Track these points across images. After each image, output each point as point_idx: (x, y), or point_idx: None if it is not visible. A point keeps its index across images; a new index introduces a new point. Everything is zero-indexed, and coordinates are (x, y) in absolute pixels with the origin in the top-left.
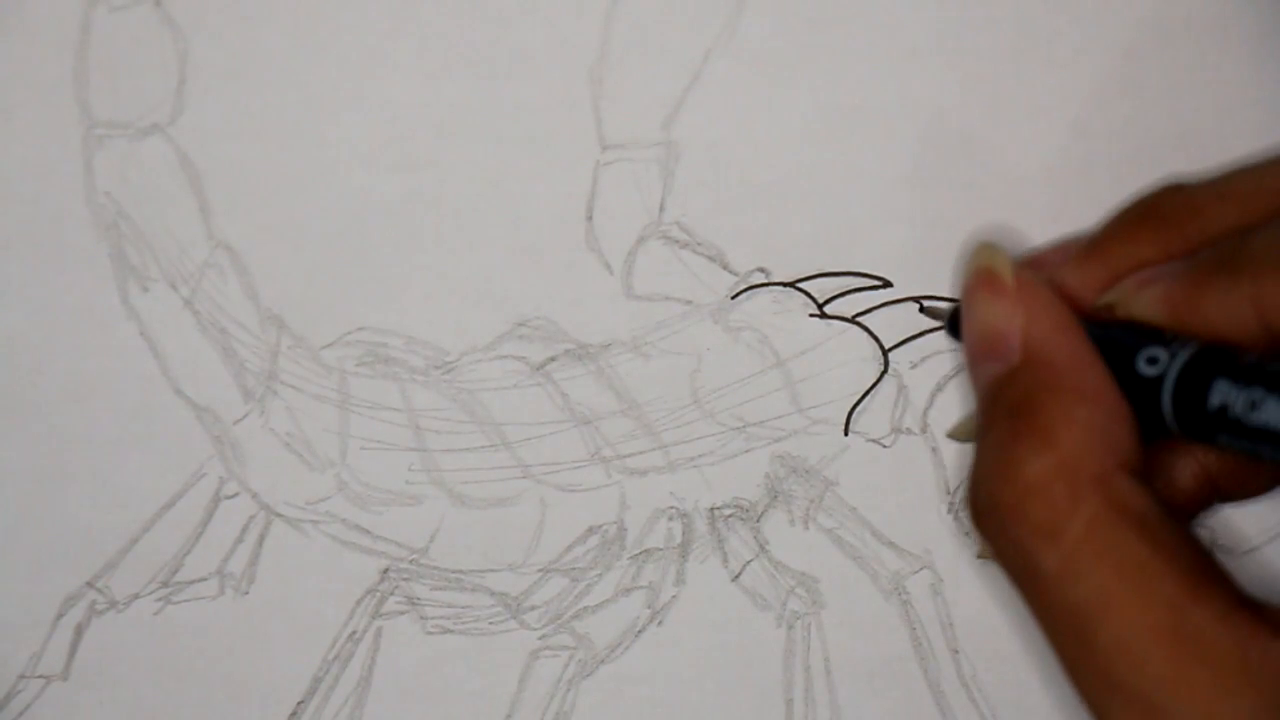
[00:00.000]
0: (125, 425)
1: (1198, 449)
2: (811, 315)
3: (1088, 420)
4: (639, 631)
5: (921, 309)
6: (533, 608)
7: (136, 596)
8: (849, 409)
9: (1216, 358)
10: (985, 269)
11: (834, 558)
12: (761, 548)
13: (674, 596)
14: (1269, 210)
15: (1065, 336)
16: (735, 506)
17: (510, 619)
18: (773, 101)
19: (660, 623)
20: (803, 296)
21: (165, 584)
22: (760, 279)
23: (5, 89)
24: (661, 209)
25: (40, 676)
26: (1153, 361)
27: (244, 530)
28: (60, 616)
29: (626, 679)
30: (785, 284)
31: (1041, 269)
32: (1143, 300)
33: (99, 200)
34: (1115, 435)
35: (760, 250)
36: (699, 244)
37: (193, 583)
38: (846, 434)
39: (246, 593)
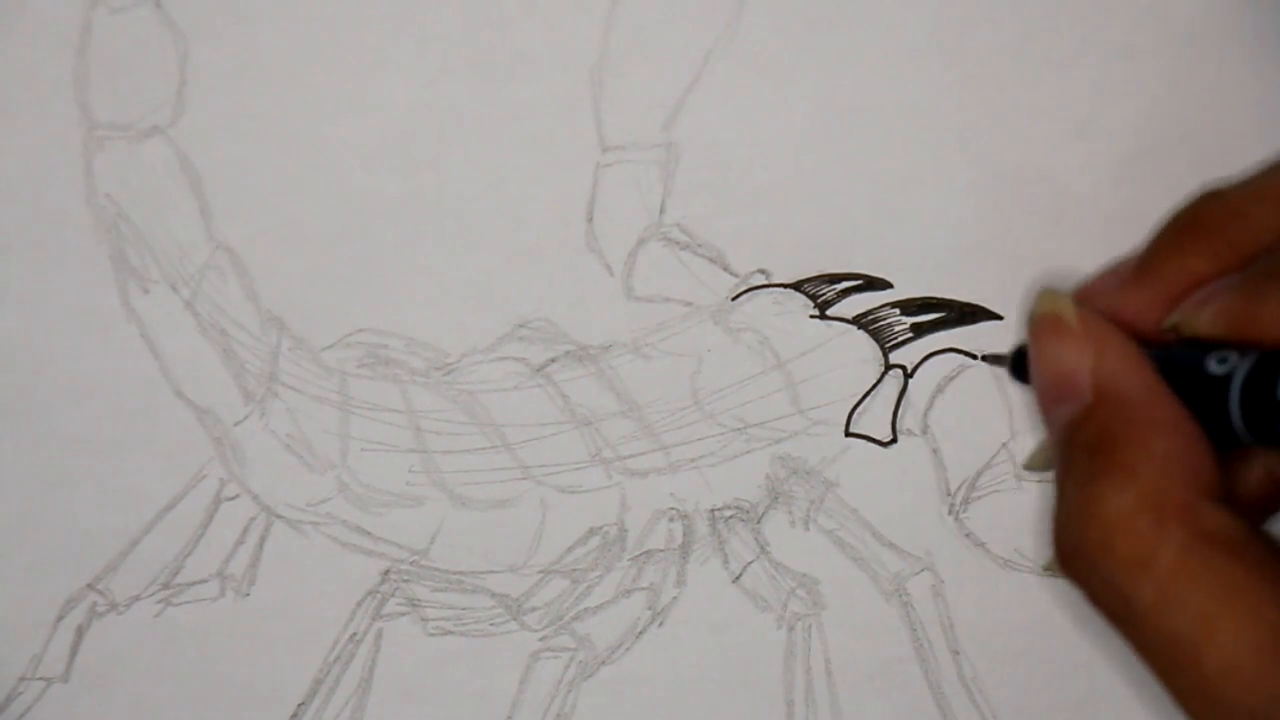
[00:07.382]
0: (126, 427)
1: (1262, 453)
2: (812, 316)
3: (1166, 451)
4: (640, 633)
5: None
6: (533, 609)
7: (137, 598)
8: (849, 410)
9: None
10: (1049, 314)
11: (835, 559)
12: (762, 549)
13: (675, 598)
14: None
15: (1134, 370)
16: (736, 508)
17: (511, 620)
18: (773, 102)
19: (661, 624)
20: (803, 297)
21: (166, 586)
22: (761, 280)
23: (5, 90)
24: (662, 210)
25: (41, 678)
26: (1223, 361)
27: (244, 532)
28: (61, 618)
29: (627, 680)
30: (786, 285)
31: (1097, 298)
32: (1204, 318)
33: (99, 202)
34: (1195, 463)
35: (761, 251)
36: (699, 245)
37: (193, 584)
38: (847, 435)
39: (247, 594)
